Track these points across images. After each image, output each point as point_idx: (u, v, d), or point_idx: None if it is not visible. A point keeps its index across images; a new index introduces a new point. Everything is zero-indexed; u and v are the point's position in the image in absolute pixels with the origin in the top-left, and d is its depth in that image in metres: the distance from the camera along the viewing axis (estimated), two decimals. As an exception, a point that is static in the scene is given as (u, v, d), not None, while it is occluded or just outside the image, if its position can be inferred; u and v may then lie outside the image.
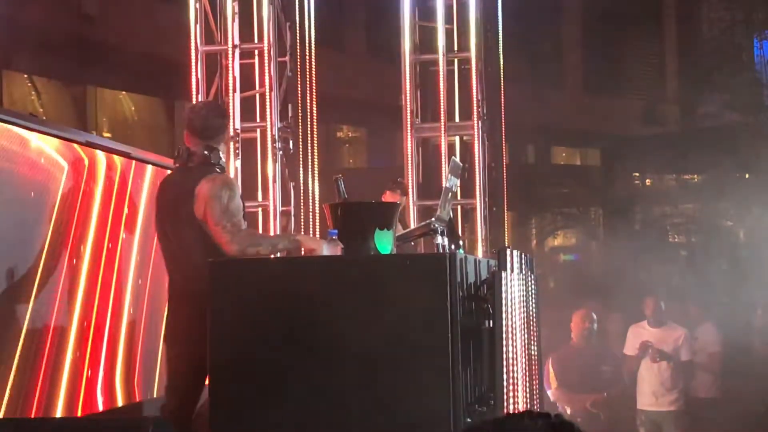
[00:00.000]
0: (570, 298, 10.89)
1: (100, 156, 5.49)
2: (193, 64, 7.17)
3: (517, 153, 19.58)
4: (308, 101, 7.70)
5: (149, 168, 6.10)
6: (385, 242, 3.94)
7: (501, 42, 8.96)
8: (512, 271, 4.18)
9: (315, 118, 7.76)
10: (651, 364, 8.26)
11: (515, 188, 14.79)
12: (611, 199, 16.00)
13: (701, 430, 8.27)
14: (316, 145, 7.81)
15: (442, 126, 8.18)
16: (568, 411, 8.37)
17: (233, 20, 7.14)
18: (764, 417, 8.04)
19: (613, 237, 16.23)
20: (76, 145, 5.20)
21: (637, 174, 17.55)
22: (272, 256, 4.35)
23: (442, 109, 8.17)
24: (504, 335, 3.93)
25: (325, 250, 3.91)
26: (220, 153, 4.57)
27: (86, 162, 5.30)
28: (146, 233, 5.86)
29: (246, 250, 4.31)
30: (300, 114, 7.75)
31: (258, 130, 7.31)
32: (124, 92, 14.13)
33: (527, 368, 4.61)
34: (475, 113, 8.27)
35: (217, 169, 4.49)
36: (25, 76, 12.38)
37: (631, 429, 8.46)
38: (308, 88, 7.70)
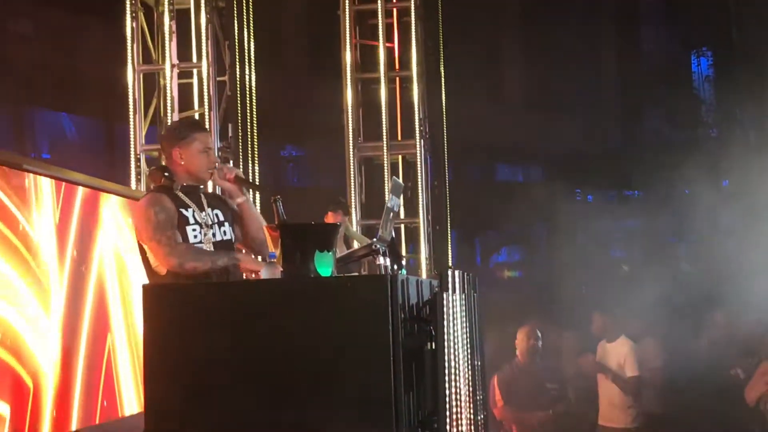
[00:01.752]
0: (515, 316, 10.89)
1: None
2: (131, 84, 7.06)
3: (460, 171, 19.65)
4: (248, 120, 7.61)
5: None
6: (325, 264, 3.86)
7: (443, 61, 8.95)
8: (454, 291, 4.12)
9: (255, 137, 7.67)
10: (607, 380, 8.28)
11: (459, 206, 14.83)
12: (554, 216, 16.07)
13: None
14: (257, 164, 7.71)
15: (385, 145, 8.15)
16: (514, 429, 8.35)
17: (171, 39, 7.05)
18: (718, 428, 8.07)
19: (556, 253, 16.32)
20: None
21: (579, 190, 17.68)
22: (210, 272, 4.26)
23: (384, 128, 8.14)
24: (446, 356, 3.87)
25: (264, 273, 3.82)
26: (169, 171, 4.46)
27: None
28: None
29: (185, 264, 4.24)
30: (240, 133, 7.67)
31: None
32: (64, 113, 13.91)
33: (471, 389, 4.55)
34: (417, 131, 8.26)
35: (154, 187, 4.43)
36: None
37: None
38: (248, 107, 7.61)
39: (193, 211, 4.45)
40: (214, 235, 4.51)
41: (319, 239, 3.85)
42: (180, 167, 4.48)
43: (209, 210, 4.53)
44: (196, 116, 7.25)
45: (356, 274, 6.16)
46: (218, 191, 5.24)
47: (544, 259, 17.30)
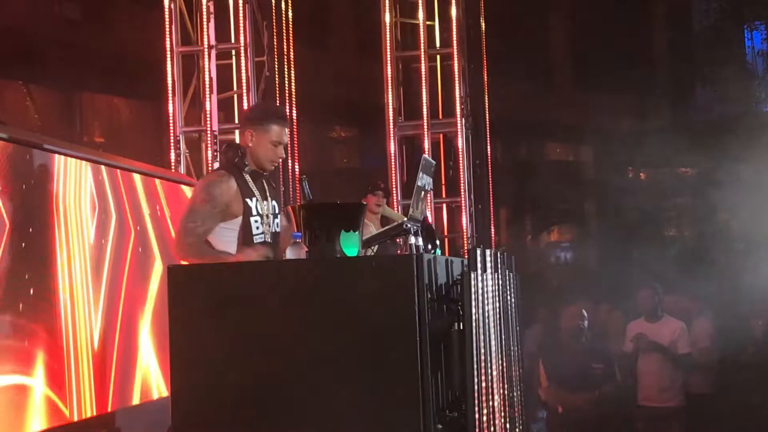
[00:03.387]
0: (564, 295, 10.78)
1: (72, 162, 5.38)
2: (169, 65, 7.07)
3: (509, 150, 19.50)
4: (287, 101, 7.58)
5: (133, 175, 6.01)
6: (351, 244, 3.81)
7: (484, 37, 8.84)
8: (485, 270, 4.05)
9: (294, 117, 7.64)
10: (651, 360, 8.15)
11: (508, 185, 14.72)
12: (605, 194, 15.89)
13: (700, 427, 8.14)
14: (296, 144, 7.69)
15: (425, 124, 8.08)
16: (560, 410, 8.27)
17: (208, 20, 7.04)
18: (760, 409, 7.92)
19: (607, 232, 16.14)
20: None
21: (630, 168, 17.45)
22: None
23: (424, 107, 8.07)
24: (475, 337, 3.81)
25: (289, 253, 3.79)
26: (242, 151, 4.45)
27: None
28: (120, 237, 5.76)
29: (186, 258, 4.28)
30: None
31: (236, 131, 7.20)
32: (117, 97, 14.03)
33: (505, 370, 4.49)
34: (458, 110, 8.17)
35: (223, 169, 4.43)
36: (20, 82, 12.27)
37: (626, 427, 8.34)
38: (287, 88, 7.58)
39: (257, 201, 4.43)
40: (276, 225, 4.51)
41: (345, 219, 3.81)
42: (248, 149, 4.47)
43: (270, 200, 4.52)
44: (235, 97, 7.23)
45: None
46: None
47: (594, 237, 17.12)
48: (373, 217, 6.11)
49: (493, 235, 9.03)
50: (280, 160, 4.51)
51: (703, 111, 14.93)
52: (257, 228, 4.39)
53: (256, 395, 3.64)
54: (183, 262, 4.38)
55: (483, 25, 8.84)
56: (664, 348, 8.09)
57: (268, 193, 4.51)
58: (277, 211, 4.56)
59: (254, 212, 4.40)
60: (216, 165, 6.96)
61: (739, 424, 7.83)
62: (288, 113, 4.39)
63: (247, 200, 4.38)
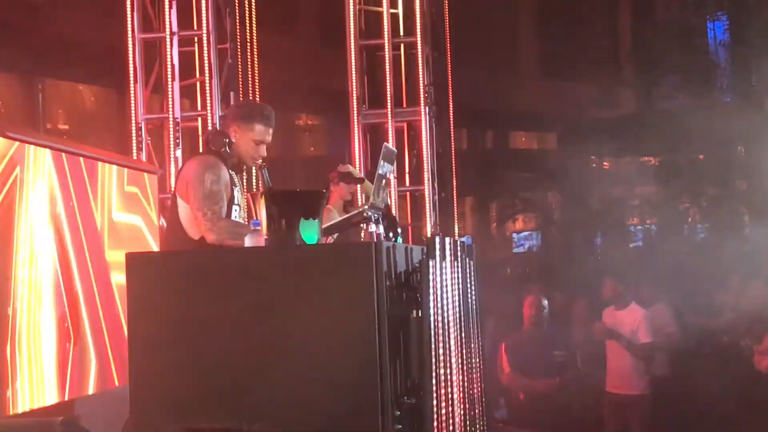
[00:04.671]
0: (528, 283, 10.87)
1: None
2: (131, 51, 7.03)
3: (475, 138, 19.57)
4: (250, 88, 7.56)
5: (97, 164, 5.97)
6: (311, 232, 3.83)
7: (448, 26, 8.85)
8: (444, 258, 4.08)
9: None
10: (616, 347, 8.23)
11: (474, 174, 14.77)
12: (569, 183, 15.98)
13: (664, 414, 8.24)
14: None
15: (389, 112, 8.09)
16: (521, 396, 8.34)
17: (171, 7, 7.01)
18: (718, 396, 8.03)
19: (571, 220, 16.26)
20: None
21: (594, 157, 17.57)
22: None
23: (388, 95, 8.07)
24: (433, 324, 3.84)
25: (248, 240, 3.80)
26: (229, 141, 4.45)
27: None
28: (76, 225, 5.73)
29: (224, 242, 4.24)
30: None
31: (199, 118, 7.18)
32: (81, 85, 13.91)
33: (464, 357, 4.52)
34: (422, 98, 8.18)
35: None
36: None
37: (587, 413, 8.42)
38: (250, 75, 7.56)
39: (238, 192, 4.47)
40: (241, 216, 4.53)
41: (305, 206, 3.82)
42: (231, 144, 4.49)
43: (244, 193, 4.57)
44: (198, 84, 7.21)
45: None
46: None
47: (558, 226, 17.23)
48: (340, 203, 6.12)
49: (456, 224, 9.07)
50: (261, 158, 4.55)
51: (666, 100, 15.05)
52: (235, 217, 4.43)
53: (214, 381, 3.65)
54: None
55: (447, 13, 8.85)
56: (621, 337, 8.17)
57: (243, 187, 4.57)
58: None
59: (236, 201, 4.45)
60: (179, 152, 6.94)
61: (702, 410, 7.94)
62: (272, 113, 4.43)
63: (233, 188, 4.42)
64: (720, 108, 14.06)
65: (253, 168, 4.38)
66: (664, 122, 13.81)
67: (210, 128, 6.40)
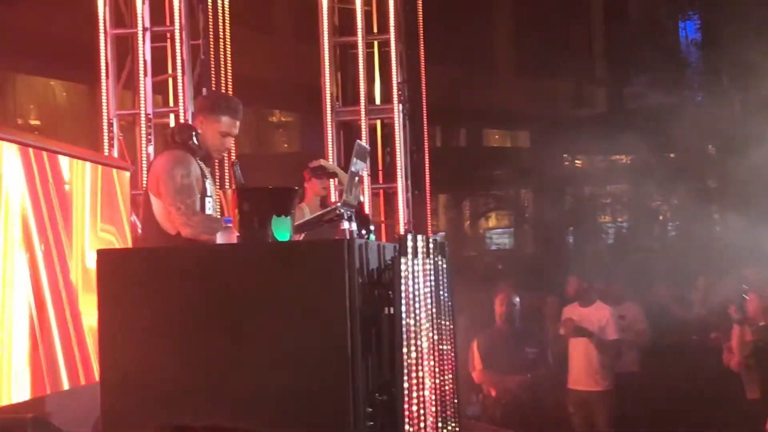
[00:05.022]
0: (500, 280, 10.90)
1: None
2: (102, 47, 6.99)
3: (449, 136, 19.60)
4: (223, 84, 7.54)
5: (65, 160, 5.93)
6: (283, 229, 3.83)
7: (421, 23, 8.85)
8: (416, 256, 4.10)
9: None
10: (580, 344, 8.28)
11: (448, 171, 14.81)
12: (542, 180, 16.07)
13: (627, 408, 8.31)
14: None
15: (362, 109, 8.08)
16: (493, 393, 8.37)
17: (143, 2, 6.97)
18: (687, 392, 8.10)
19: (544, 218, 16.35)
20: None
21: (566, 155, 17.67)
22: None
23: (361, 92, 8.07)
24: (405, 321, 3.85)
25: (219, 238, 3.79)
26: (197, 133, 4.44)
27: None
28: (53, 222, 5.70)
29: (199, 236, 4.25)
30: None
31: (171, 114, 7.15)
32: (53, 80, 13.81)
33: (436, 354, 4.54)
34: (395, 96, 8.18)
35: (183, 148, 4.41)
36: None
37: (558, 409, 8.47)
38: (223, 71, 7.54)
39: (210, 184, 4.47)
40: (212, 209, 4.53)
41: (277, 203, 3.82)
42: (198, 136, 4.49)
43: (214, 186, 4.57)
44: (170, 80, 7.18)
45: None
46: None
47: (530, 223, 17.31)
48: (315, 200, 6.10)
49: (429, 221, 9.08)
50: (227, 150, 4.55)
51: (638, 99, 15.16)
52: (209, 210, 4.43)
53: (185, 378, 3.65)
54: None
55: (421, 11, 8.85)
56: (591, 333, 8.22)
57: (216, 180, 4.59)
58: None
59: (209, 192, 4.45)
60: (151, 148, 6.91)
61: (668, 407, 8.01)
62: (240, 106, 4.43)
63: (205, 181, 4.42)
64: (691, 107, 14.18)
65: (225, 164, 4.37)
66: (636, 121, 13.92)
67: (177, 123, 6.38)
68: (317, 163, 5.69)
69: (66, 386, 5.70)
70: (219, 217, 4.38)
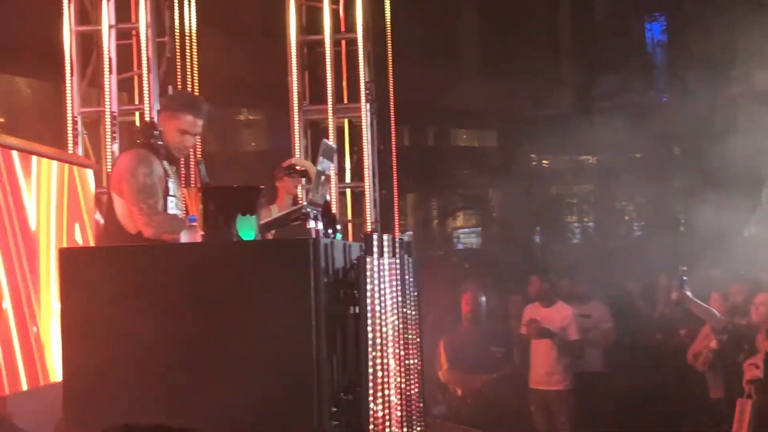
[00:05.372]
0: (468, 279, 10.92)
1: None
2: (67, 44, 6.93)
3: (417, 136, 19.60)
4: (189, 83, 7.50)
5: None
6: (248, 228, 3.82)
7: (389, 22, 8.84)
8: (381, 255, 4.09)
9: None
10: (541, 344, 8.31)
11: (416, 170, 14.82)
12: (509, 180, 16.12)
13: (589, 407, 8.35)
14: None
15: (330, 108, 8.07)
16: (459, 392, 8.39)
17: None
18: (651, 391, 8.17)
19: (511, 217, 16.40)
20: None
21: (533, 155, 17.74)
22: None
23: (329, 91, 8.05)
24: (371, 320, 3.85)
25: (184, 236, 3.77)
26: (159, 132, 4.41)
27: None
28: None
29: (162, 235, 4.22)
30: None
31: (137, 112, 7.10)
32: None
33: (402, 353, 4.54)
34: (362, 95, 8.17)
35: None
36: None
37: (523, 408, 8.51)
38: (189, 69, 7.49)
39: (172, 183, 4.43)
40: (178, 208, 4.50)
41: (242, 202, 3.81)
42: (161, 134, 4.46)
43: (179, 185, 4.54)
44: (135, 78, 7.13)
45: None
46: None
47: (498, 223, 17.36)
48: (288, 199, 6.07)
49: (396, 220, 9.07)
50: (187, 149, 4.52)
51: (605, 100, 15.25)
52: (171, 209, 4.40)
53: (149, 378, 3.63)
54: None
55: (388, 10, 8.84)
56: (553, 334, 8.26)
57: (177, 178, 4.55)
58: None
59: (171, 192, 4.41)
60: (116, 146, 6.86)
61: (629, 406, 8.06)
62: (203, 104, 4.40)
63: (168, 180, 4.39)
64: (657, 107, 14.29)
65: (191, 162, 4.34)
66: (602, 121, 13.99)
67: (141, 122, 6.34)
68: (289, 161, 5.67)
69: (25, 387, 5.64)
70: (182, 216, 4.35)
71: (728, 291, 7.74)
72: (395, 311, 4.38)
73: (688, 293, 7.37)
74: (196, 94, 7.21)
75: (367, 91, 8.22)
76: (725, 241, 9.94)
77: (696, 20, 13.68)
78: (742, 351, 6.80)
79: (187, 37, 7.49)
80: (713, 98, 12.99)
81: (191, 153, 6.57)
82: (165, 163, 4.44)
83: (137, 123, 7.10)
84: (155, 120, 4.61)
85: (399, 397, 4.31)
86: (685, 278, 7.49)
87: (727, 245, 9.78)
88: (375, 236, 3.97)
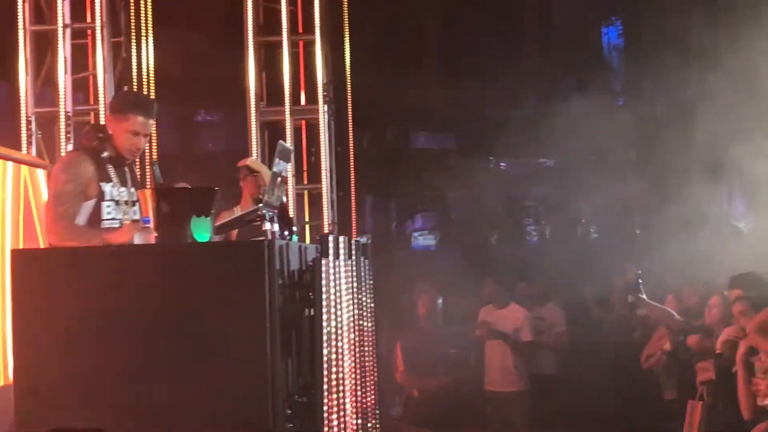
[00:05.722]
0: (425, 282, 10.94)
1: None
2: (21, 43, 6.86)
3: (375, 137, 19.61)
4: (146, 83, 7.44)
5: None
6: (202, 230, 3.79)
7: (348, 24, 8.85)
8: (337, 257, 4.09)
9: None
10: (496, 346, 8.35)
11: (374, 172, 14.82)
12: (467, 183, 16.16)
13: (544, 409, 8.40)
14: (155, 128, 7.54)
15: (287, 109, 8.05)
16: (415, 393, 8.41)
17: (64, -2, 6.85)
18: (605, 393, 8.22)
19: (469, 220, 16.45)
20: None
21: (492, 157, 17.81)
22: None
23: (286, 92, 8.04)
24: (326, 322, 3.84)
25: (137, 238, 3.75)
26: (105, 134, 4.38)
27: None
28: None
29: (61, 243, 4.21)
30: (138, 96, 7.49)
31: (92, 112, 7.05)
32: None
33: (357, 355, 4.54)
34: (320, 96, 8.16)
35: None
36: None
37: (480, 410, 8.54)
38: (146, 70, 7.44)
39: (113, 187, 4.38)
40: (135, 213, 4.44)
41: (196, 204, 3.78)
42: (109, 137, 4.42)
43: (131, 188, 4.47)
44: (90, 78, 7.07)
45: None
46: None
47: (456, 225, 17.40)
48: (251, 200, 6.04)
49: (354, 222, 9.08)
50: (139, 150, 4.48)
51: (562, 103, 15.33)
52: (108, 213, 4.35)
53: (101, 380, 3.59)
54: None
55: (347, 11, 8.85)
56: (506, 335, 8.30)
57: (130, 181, 4.48)
58: (135, 199, 4.52)
59: (107, 197, 4.36)
60: (70, 146, 6.79)
61: (583, 408, 8.11)
62: (152, 104, 4.37)
63: (102, 184, 4.34)
64: (613, 111, 14.40)
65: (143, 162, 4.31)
66: (559, 124, 14.06)
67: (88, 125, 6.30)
68: (244, 162, 5.66)
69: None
70: (98, 227, 4.31)
71: (682, 293, 7.82)
72: (351, 313, 4.38)
73: (644, 296, 7.44)
74: (140, 93, 7.15)
75: (325, 93, 8.22)
76: (680, 244, 10.02)
77: (651, 23, 13.81)
78: (695, 353, 6.86)
79: (143, 37, 7.43)
80: (668, 102, 13.12)
81: (146, 154, 6.52)
82: (108, 167, 4.38)
83: (92, 123, 7.05)
84: (106, 123, 4.55)
85: (354, 398, 4.31)
86: (640, 281, 7.56)
87: (682, 248, 9.86)
88: (331, 238, 3.96)
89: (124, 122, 4.42)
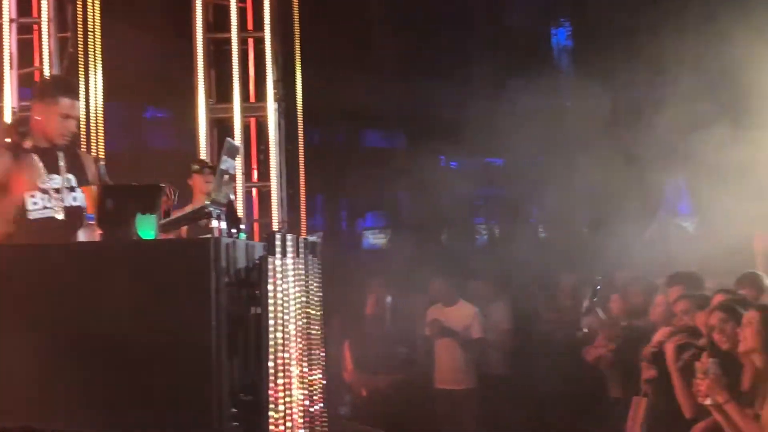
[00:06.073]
0: (374, 281, 10.95)
1: None
2: (-37, 38, 6.76)
3: (326, 136, 19.59)
4: (93, 78, 7.37)
5: None
6: (147, 227, 3.76)
7: (298, 21, 8.82)
8: (284, 255, 4.08)
9: (100, 95, 7.44)
10: (445, 344, 8.37)
11: (325, 171, 14.80)
12: (417, 182, 16.19)
13: (493, 408, 8.45)
14: (101, 123, 7.49)
15: (236, 107, 8.02)
16: (364, 392, 8.41)
17: (9, -7, 6.76)
18: (552, 394, 8.29)
19: (418, 219, 16.48)
20: None
21: (442, 157, 17.86)
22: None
23: (235, 90, 8.00)
24: (273, 321, 3.83)
25: (81, 235, 3.71)
26: (26, 125, 4.33)
27: None
28: None
29: None
30: (86, 92, 7.43)
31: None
32: None
33: (305, 353, 4.53)
34: (270, 94, 8.14)
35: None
36: None
37: (429, 408, 8.56)
38: (93, 65, 7.36)
39: (41, 177, 4.31)
40: (62, 200, 4.37)
41: (141, 201, 3.76)
42: (37, 124, 4.36)
43: (65, 174, 4.40)
44: (36, 74, 6.98)
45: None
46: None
47: (406, 224, 17.42)
48: (202, 197, 6.00)
49: (303, 220, 9.06)
50: (71, 133, 4.43)
51: (511, 103, 15.42)
52: (34, 204, 4.29)
53: (46, 379, 3.55)
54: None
55: (297, 8, 8.82)
56: (456, 333, 8.33)
57: (63, 168, 4.40)
58: (74, 184, 4.45)
59: (32, 188, 4.30)
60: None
61: (531, 406, 8.17)
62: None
63: (25, 176, 4.28)
64: (562, 112, 14.51)
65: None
66: (509, 124, 14.14)
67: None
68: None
69: None
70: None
71: (627, 292, 7.89)
72: (299, 312, 4.37)
73: (598, 310, 7.53)
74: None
75: (275, 90, 8.19)
76: (627, 243, 10.12)
77: (600, 25, 13.94)
78: (640, 351, 6.93)
79: (90, 33, 7.35)
80: (617, 103, 13.25)
81: (92, 152, 6.46)
82: (34, 157, 4.33)
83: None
84: (32, 111, 4.48)
85: (301, 398, 4.30)
86: (599, 287, 7.64)
87: (628, 247, 9.96)
88: (278, 236, 3.95)
89: (54, 106, 4.39)
